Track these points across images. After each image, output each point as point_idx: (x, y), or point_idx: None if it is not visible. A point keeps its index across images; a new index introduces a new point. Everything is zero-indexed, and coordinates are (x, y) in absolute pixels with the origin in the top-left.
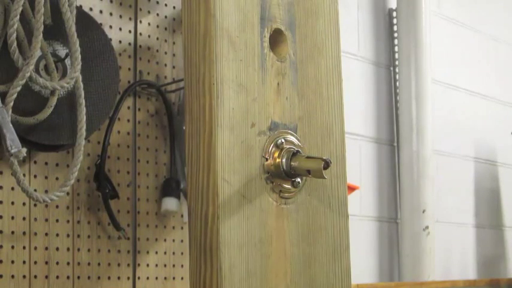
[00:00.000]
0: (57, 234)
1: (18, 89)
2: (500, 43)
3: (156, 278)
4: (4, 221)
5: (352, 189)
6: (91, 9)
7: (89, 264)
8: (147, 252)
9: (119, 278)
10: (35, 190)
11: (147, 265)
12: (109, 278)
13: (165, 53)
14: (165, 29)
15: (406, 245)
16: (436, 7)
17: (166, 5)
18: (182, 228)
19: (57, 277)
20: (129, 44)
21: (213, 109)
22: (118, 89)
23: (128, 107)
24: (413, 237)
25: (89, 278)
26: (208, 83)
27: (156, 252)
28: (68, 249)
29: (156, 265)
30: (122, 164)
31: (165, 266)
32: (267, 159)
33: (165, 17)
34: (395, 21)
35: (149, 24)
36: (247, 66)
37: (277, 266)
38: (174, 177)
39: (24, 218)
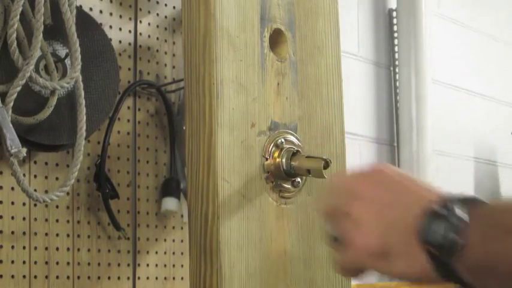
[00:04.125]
0: (57, 234)
1: (18, 89)
2: (500, 43)
3: (156, 278)
4: (4, 221)
5: None
6: (91, 9)
7: (89, 264)
8: (147, 252)
9: (119, 278)
10: (35, 190)
11: (147, 265)
12: (109, 278)
13: (165, 53)
14: (165, 29)
15: None
16: (436, 7)
17: (166, 5)
18: (182, 228)
19: (57, 277)
20: (129, 44)
21: (213, 109)
22: (118, 89)
23: (128, 107)
24: None
25: (89, 278)
26: (208, 83)
27: (156, 252)
28: (68, 249)
29: (156, 265)
30: (122, 164)
31: (165, 266)
32: (267, 159)
33: (165, 17)
34: (395, 21)
35: (149, 24)
36: (247, 66)
37: (277, 266)
38: (174, 177)
39: (24, 218)
